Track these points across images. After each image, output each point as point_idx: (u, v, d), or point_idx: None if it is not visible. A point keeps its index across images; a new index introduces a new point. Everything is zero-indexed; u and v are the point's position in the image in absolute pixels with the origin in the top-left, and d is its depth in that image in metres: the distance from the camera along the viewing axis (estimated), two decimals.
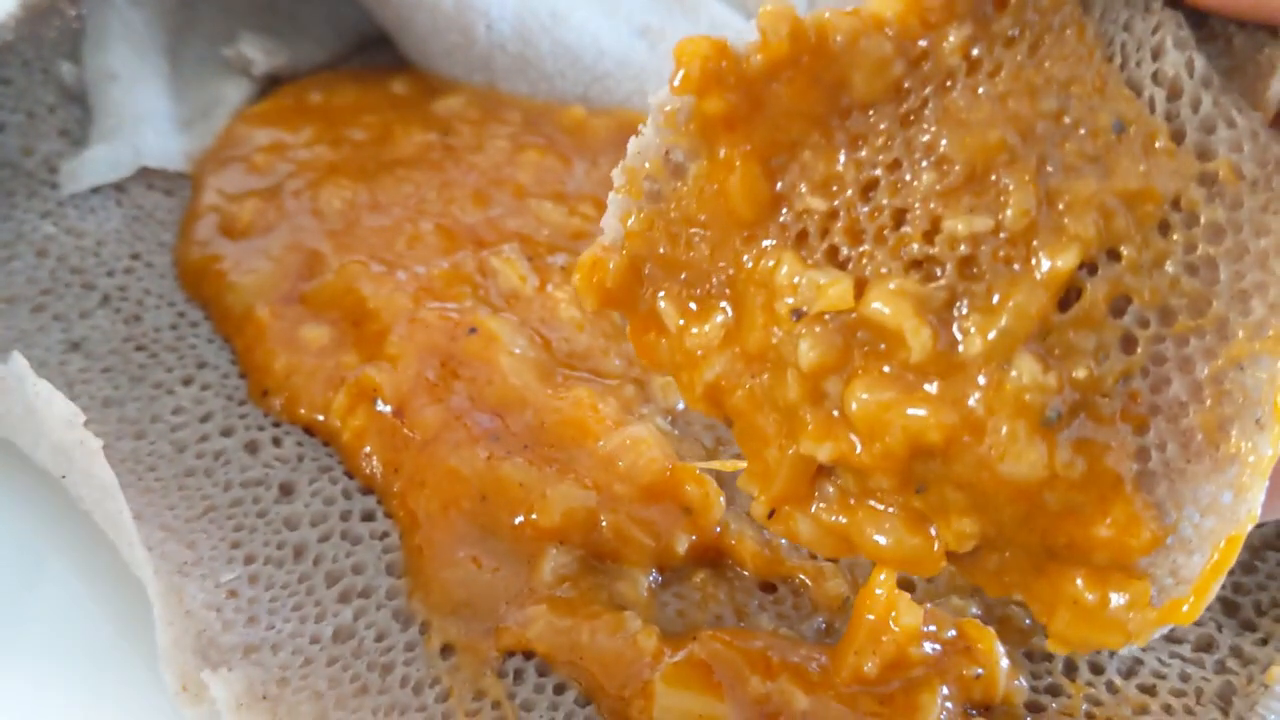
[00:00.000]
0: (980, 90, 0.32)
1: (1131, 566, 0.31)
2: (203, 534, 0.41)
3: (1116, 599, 0.31)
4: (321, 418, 0.44)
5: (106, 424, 0.44)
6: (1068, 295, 0.31)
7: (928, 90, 0.32)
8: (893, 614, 0.36)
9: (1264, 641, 0.39)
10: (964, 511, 0.31)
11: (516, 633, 0.38)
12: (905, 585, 0.40)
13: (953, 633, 0.37)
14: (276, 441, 0.44)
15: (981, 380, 0.30)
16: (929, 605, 0.39)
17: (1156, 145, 0.32)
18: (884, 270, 0.32)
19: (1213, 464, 0.31)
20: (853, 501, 0.33)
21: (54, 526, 0.43)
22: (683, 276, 0.34)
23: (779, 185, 0.33)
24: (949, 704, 0.36)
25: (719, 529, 0.41)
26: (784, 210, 0.33)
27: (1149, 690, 0.38)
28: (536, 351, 0.45)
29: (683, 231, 0.34)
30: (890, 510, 0.32)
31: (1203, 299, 0.32)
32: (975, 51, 0.32)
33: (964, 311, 0.31)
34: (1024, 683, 0.38)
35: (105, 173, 0.52)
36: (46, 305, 0.48)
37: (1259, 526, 0.35)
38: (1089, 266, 0.31)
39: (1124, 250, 0.31)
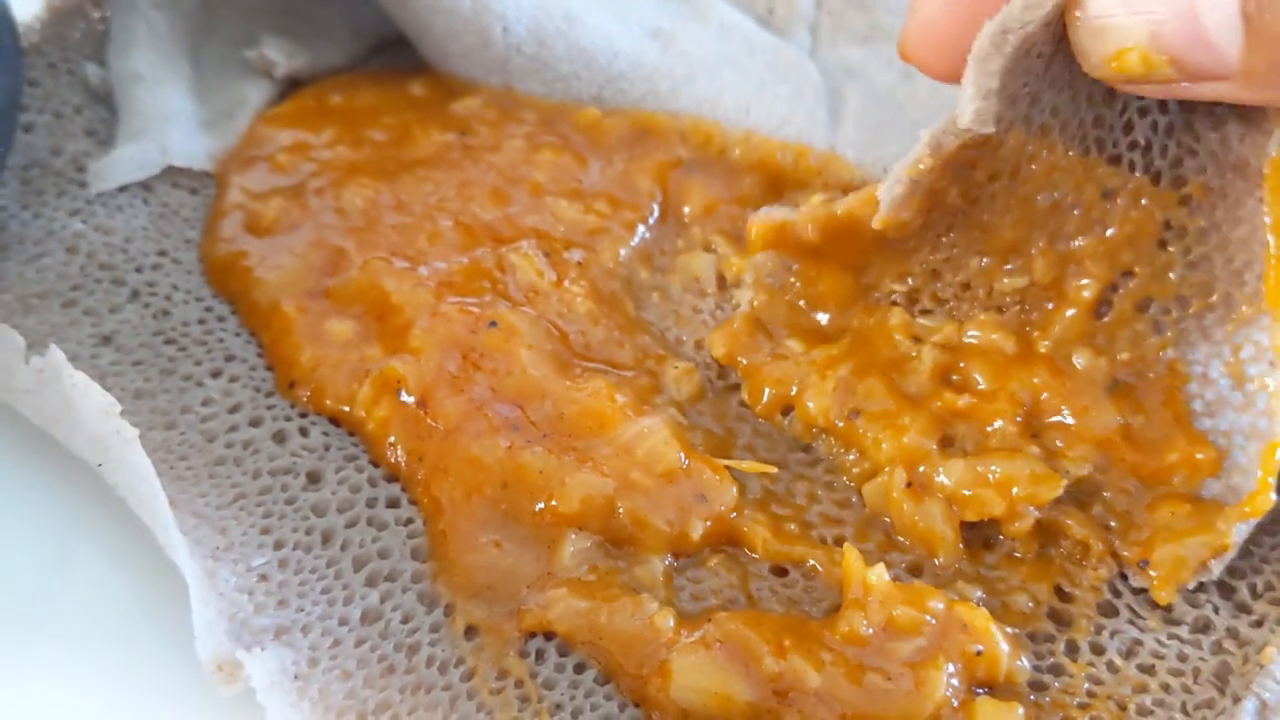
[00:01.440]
0: (985, 216, 0.42)
1: (1201, 491, 0.41)
2: (234, 520, 0.42)
3: (1200, 513, 0.40)
4: (347, 408, 0.45)
5: (138, 415, 0.45)
6: (1101, 307, 0.43)
7: (946, 222, 0.43)
8: (863, 574, 0.39)
9: (1259, 624, 0.40)
10: (1072, 443, 0.42)
11: (538, 614, 0.39)
12: (914, 572, 0.42)
13: (940, 605, 0.38)
14: (303, 431, 0.45)
15: (1055, 368, 0.42)
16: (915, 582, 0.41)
17: (1142, 198, 0.41)
18: (970, 312, 0.44)
19: (1244, 399, 0.40)
20: (976, 459, 0.42)
21: (86, 513, 0.45)
22: (802, 325, 0.47)
23: (863, 279, 0.46)
24: (954, 681, 0.37)
25: (733, 515, 0.42)
26: (873, 293, 0.46)
27: (1148, 670, 0.39)
28: (554, 344, 0.46)
29: (797, 305, 0.47)
30: (1011, 451, 0.42)
31: (1207, 285, 0.41)
32: (970, 194, 0.42)
33: (1030, 328, 0.43)
34: (1026, 663, 0.39)
35: (132, 172, 0.53)
36: (77, 300, 0.49)
37: None
38: (1111, 286, 0.42)
39: (1136, 269, 0.42)
